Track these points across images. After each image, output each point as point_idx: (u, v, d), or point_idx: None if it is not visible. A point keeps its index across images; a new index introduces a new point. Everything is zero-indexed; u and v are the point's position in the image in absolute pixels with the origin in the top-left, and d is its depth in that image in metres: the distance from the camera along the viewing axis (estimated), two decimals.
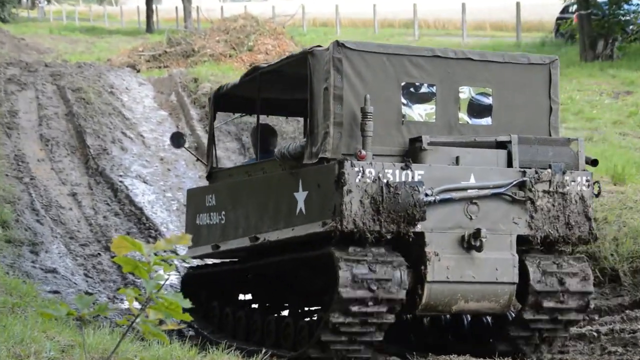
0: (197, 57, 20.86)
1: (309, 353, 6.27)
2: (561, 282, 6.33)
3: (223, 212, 7.66)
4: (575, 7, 23.01)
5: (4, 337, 4.78)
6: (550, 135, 6.77)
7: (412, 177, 6.13)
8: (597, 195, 6.63)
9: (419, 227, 6.12)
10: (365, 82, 6.35)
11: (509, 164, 6.45)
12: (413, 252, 6.22)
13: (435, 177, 6.21)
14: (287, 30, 25.98)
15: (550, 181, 6.39)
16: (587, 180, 6.51)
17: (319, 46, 6.58)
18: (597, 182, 6.55)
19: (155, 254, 2.78)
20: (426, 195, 6.10)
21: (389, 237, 6.07)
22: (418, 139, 6.32)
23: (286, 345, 6.68)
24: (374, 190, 6.04)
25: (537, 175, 6.36)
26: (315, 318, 6.95)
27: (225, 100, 7.98)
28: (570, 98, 15.65)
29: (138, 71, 20.26)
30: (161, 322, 2.82)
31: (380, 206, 6.03)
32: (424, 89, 6.65)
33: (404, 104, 6.50)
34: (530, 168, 6.38)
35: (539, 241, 6.37)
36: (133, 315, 2.80)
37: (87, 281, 8.88)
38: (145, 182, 11.77)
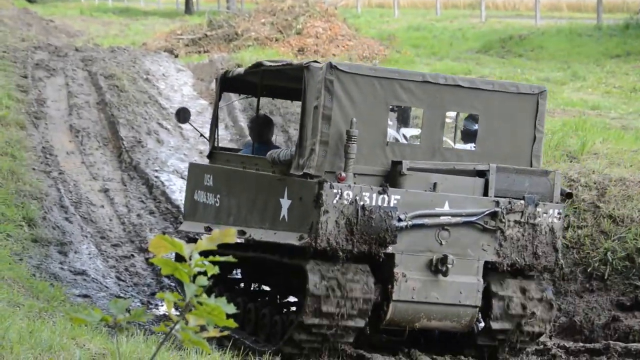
0: (241, 41, 20.95)
1: (283, 349, 7.11)
2: (523, 307, 7.19)
3: (218, 196, 8.62)
4: None
5: (30, 344, 4.86)
6: (532, 163, 7.45)
7: (388, 202, 6.91)
8: (566, 229, 7.54)
9: (389, 249, 6.93)
10: (355, 104, 7.04)
11: (486, 192, 7.17)
12: (383, 270, 7.03)
13: (411, 202, 6.99)
14: (340, 12, 25.95)
15: (522, 212, 7.15)
16: (558, 213, 7.25)
17: (315, 61, 7.30)
18: (568, 215, 7.42)
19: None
20: (399, 220, 6.90)
21: (360, 255, 6.92)
22: (399, 163, 7.04)
23: (262, 335, 7.63)
24: (350, 212, 6.84)
25: (509, 206, 7.11)
26: (292, 309, 7.83)
27: (231, 82, 8.87)
28: None
29: (176, 56, 20.43)
30: (201, 329, 2.83)
31: (354, 228, 6.84)
32: (411, 113, 7.59)
33: (390, 126, 7.33)
34: (505, 197, 7.13)
35: (505, 268, 7.14)
36: (170, 321, 2.82)
37: (119, 284, 8.96)
38: (183, 178, 11.86)
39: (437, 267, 7.02)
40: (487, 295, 7.19)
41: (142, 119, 14.00)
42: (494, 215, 7.11)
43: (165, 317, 7.47)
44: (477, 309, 7.16)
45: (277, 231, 7.37)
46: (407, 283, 7.01)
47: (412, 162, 7.07)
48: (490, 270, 7.21)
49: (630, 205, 8.54)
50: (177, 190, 11.52)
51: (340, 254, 6.85)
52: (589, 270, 8.38)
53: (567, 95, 14.92)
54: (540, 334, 7.39)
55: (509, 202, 7.13)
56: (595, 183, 9.09)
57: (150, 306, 8.29)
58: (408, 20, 31.24)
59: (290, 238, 7.11)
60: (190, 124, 9.50)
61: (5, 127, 12.44)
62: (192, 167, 9.49)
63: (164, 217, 10.94)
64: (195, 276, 2.81)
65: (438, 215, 7.04)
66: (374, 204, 6.89)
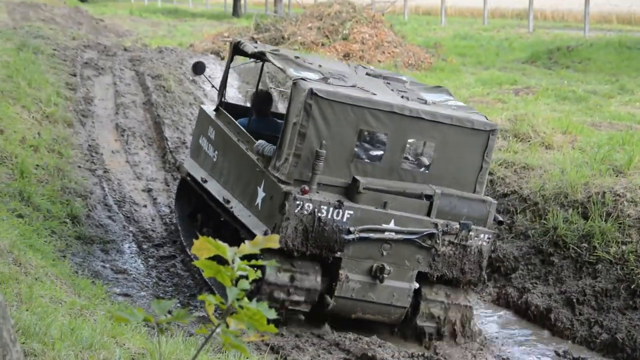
0: (287, 44, 21.02)
1: None
2: (445, 310, 8.48)
3: (216, 152, 9.88)
4: None
5: (71, 341, 4.90)
6: (475, 189, 8.52)
7: (342, 216, 8.10)
8: (493, 251, 8.69)
9: (338, 254, 8.15)
10: (328, 125, 8.14)
11: (429, 213, 8.27)
12: (330, 270, 8.28)
13: (361, 217, 8.13)
14: (387, 18, 25.95)
15: (456, 235, 8.27)
16: (488, 237, 8.37)
17: (303, 79, 8.28)
18: (494, 236, 8.53)
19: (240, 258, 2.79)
20: (348, 232, 8.07)
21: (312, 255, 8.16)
22: (357, 181, 8.13)
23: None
24: (308, 221, 8.00)
25: (446, 229, 8.22)
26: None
27: (241, 51, 10.06)
28: None
29: (222, 58, 20.53)
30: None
31: (309, 235, 8.04)
32: (377, 137, 8.67)
33: (357, 147, 8.42)
34: (445, 219, 8.23)
35: (434, 278, 8.37)
36: (211, 323, 2.82)
37: (159, 285, 9.00)
38: None
39: (376, 274, 8.24)
40: (419, 296, 8.46)
41: (187, 120, 14.09)
42: (431, 235, 8.25)
43: (205, 319, 7.50)
44: (406, 308, 8.43)
45: (251, 214, 8.57)
46: (348, 283, 8.27)
47: (369, 180, 8.18)
48: (424, 277, 8.40)
49: None
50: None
51: (296, 253, 8.08)
52: (632, 287, 8.26)
53: (614, 109, 14.74)
54: (457, 334, 8.58)
55: (446, 225, 8.22)
56: None
57: (190, 307, 8.32)
58: (455, 29, 31.12)
59: (258, 228, 8.30)
60: (205, 77, 10.83)
61: (53, 124, 12.58)
62: (202, 112, 10.62)
63: None
64: (237, 280, 2.81)
65: (383, 231, 8.19)
66: (329, 217, 8.08)
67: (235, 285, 2.81)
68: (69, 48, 18.35)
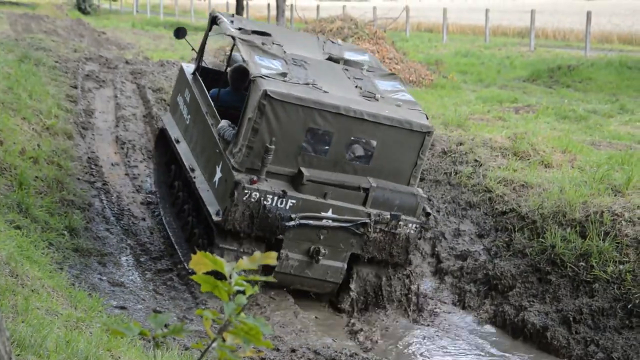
0: None
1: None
2: (374, 285, 9.72)
3: (189, 116, 10.98)
4: None
5: (67, 354, 4.90)
6: (410, 182, 9.57)
7: (285, 205, 9.14)
8: (419, 238, 9.65)
9: (280, 236, 9.25)
10: (280, 123, 9.07)
11: (365, 203, 9.31)
12: (273, 249, 9.19)
13: (303, 206, 9.18)
14: (388, 34, 26.03)
15: (387, 224, 9.35)
16: (415, 227, 9.44)
17: (262, 77, 9.14)
18: (421, 225, 9.48)
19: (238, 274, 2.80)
20: (290, 219, 9.14)
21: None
22: (302, 173, 9.12)
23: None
24: (254, 208, 9.06)
25: (378, 218, 9.30)
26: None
27: (217, 24, 11.04)
28: None
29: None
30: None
31: (255, 220, 9.10)
32: (323, 134, 9.35)
33: (304, 142, 9.25)
34: (379, 209, 9.31)
35: (366, 260, 9.53)
36: (207, 338, 2.83)
37: (156, 298, 9.00)
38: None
39: (313, 255, 9.39)
40: (352, 273, 9.60)
41: None
42: (364, 223, 9.33)
43: (201, 333, 7.50)
44: (338, 283, 9.63)
45: (209, 190, 9.69)
46: (288, 261, 9.40)
47: (313, 173, 9.20)
48: (357, 258, 9.53)
49: None
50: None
51: (242, 235, 9.18)
52: (629, 307, 8.27)
53: (613, 128, 14.78)
54: (386, 306, 9.75)
55: (378, 215, 9.32)
56: (639, 219, 8.99)
57: (187, 321, 8.32)
58: (456, 46, 31.21)
59: (212, 206, 9.40)
60: (186, 40, 12.01)
61: (53, 136, 12.60)
62: (181, 71, 11.81)
63: None
64: (234, 295, 2.82)
65: (321, 219, 9.29)
66: (273, 205, 9.12)
67: (233, 300, 2.82)
68: (70, 60, 18.41)
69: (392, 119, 9.35)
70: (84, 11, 49.69)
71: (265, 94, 8.96)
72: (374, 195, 9.34)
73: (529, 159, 11.48)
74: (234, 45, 10.56)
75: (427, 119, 9.63)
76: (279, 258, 9.20)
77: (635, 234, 8.82)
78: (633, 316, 8.21)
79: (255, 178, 9.04)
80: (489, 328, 9.34)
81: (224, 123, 9.71)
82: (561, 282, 9.02)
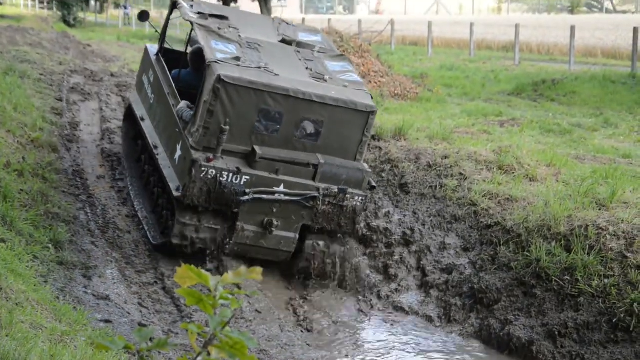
0: None
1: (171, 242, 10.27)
2: (323, 253, 10.47)
3: (153, 95, 11.80)
4: None
5: None
6: (356, 158, 10.42)
7: (239, 181, 9.88)
8: (365, 209, 10.71)
9: (235, 210, 10.00)
10: (233, 104, 9.84)
11: (314, 178, 10.13)
12: (230, 221, 10.14)
13: (256, 182, 9.96)
14: (374, 48, 26.08)
15: (334, 197, 10.17)
16: (361, 199, 10.28)
17: (216, 62, 9.90)
18: (366, 198, 10.36)
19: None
20: (244, 194, 9.89)
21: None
22: (255, 151, 9.91)
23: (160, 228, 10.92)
24: (211, 184, 9.81)
25: (326, 192, 10.11)
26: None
27: (178, 9, 11.86)
28: None
29: None
30: None
31: (212, 195, 9.87)
32: (274, 114, 10.07)
33: (257, 122, 10.02)
34: (327, 183, 10.13)
35: (316, 230, 10.33)
36: (192, 351, 2.82)
37: (141, 311, 8.96)
38: None
39: (266, 226, 10.15)
40: (304, 242, 10.39)
41: None
42: (314, 197, 10.12)
43: (186, 347, 7.47)
44: (291, 252, 10.40)
45: (170, 166, 10.53)
46: (244, 232, 10.17)
47: (265, 150, 9.97)
48: (308, 228, 10.31)
49: None
50: None
51: (201, 209, 10.00)
52: (614, 321, 8.29)
53: (598, 142, 14.85)
54: (335, 273, 10.54)
55: (327, 189, 10.11)
56: (623, 232, 9.01)
57: (172, 335, 8.29)
58: (441, 60, 31.33)
59: (173, 182, 10.26)
60: (149, 23, 12.90)
61: (38, 149, 12.56)
62: (146, 52, 12.78)
63: None
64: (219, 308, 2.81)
65: (274, 193, 10.05)
66: (228, 181, 9.86)
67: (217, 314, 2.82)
68: (55, 73, 18.37)
69: (338, 99, 10.18)
70: (69, 24, 49.63)
71: (219, 79, 9.75)
72: (323, 171, 10.17)
73: (513, 173, 11.51)
74: (191, 31, 11.52)
75: (372, 99, 10.56)
76: (235, 229, 10.11)
77: (620, 248, 8.85)
78: (618, 330, 8.23)
79: (211, 156, 9.81)
80: (474, 342, 9.34)
81: (183, 104, 10.55)
82: (546, 296, 9.03)
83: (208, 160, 9.78)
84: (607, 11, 71.18)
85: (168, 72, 11.40)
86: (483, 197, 10.86)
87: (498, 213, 10.45)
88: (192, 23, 10.93)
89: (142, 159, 12.28)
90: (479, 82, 24.89)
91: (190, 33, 12.12)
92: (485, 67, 28.89)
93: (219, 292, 2.83)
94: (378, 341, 9.37)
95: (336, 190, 10.13)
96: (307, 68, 10.66)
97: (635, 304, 8.16)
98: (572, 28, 28.34)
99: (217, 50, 10.25)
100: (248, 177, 9.91)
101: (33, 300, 6.84)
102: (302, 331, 9.36)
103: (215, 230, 10.20)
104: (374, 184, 10.63)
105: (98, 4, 66.45)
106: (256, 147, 9.97)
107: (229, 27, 11.05)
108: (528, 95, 22.33)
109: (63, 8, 52.25)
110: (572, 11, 71.34)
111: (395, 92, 20.52)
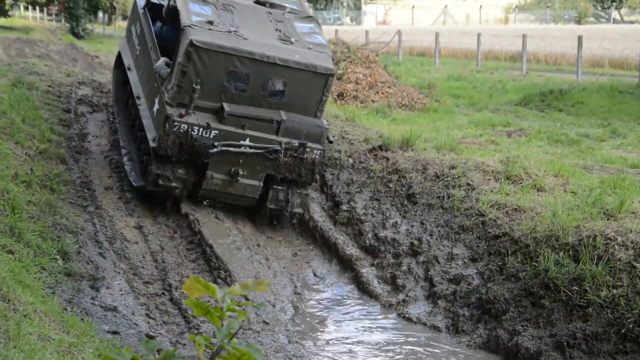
0: None
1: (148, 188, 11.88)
2: (286, 198, 11.84)
3: (139, 47, 13.06)
4: None
5: None
6: (316, 114, 11.62)
7: (209, 134, 11.00)
8: (323, 162, 11.89)
9: (205, 160, 11.17)
10: (204, 66, 10.94)
11: (277, 133, 11.29)
12: (201, 170, 11.37)
13: (224, 135, 11.12)
14: (381, 58, 26.10)
15: (295, 150, 11.33)
16: (320, 152, 11.53)
17: (190, 26, 10.96)
18: (324, 151, 11.62)
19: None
20: (213, 146, 11.05)
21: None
22: (223, 108, 11.07)
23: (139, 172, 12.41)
24: (182, 137, 11.01)
25: (288, 145, 11.28)
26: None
27: None
28: None
29: None
30: None
31: (183, 147, 11.05)
32: (241, 75, 11.13)
33: (226, 82, 11.11)
34: (289, 138, 11.29)
35: (279, 179, 11.55)
36: None
37: (148, 322, 8.96)
38: (217, 218, 11.91)
39: (233, 175, 11.38)
40: (269, 188, 11.62)
41: None
42: (276, 150, 11.28)
43: (193, 358, 7.46)
44: (256, 198, 11.69)
45: (149, 118, 11.74)
46: (213, 180, 11.42)
47: (233, 108, 11.10)
48: (272, 178, 11.53)
49: None
50: (210, 233, 11.55)
51: (174, 158, 11.17)
52: (623, 332, 8.26)
53: (605, 152, 14.82)
54: (297, 213, 12.01)
55: (288, 143, 11.29)
56: (632, 243, 8.98)
57: (179, 346, 8.27)
58: (448, 70, 31.33)
59: (150, 132, 11.50)
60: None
61: (46, 160, 12.58)
62: (135, 3, 13.92)
63: (195, 254, 10.98)
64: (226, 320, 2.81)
65: (240, 146, 11.21)
66: (199, 135, 11.01)
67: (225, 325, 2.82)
68: (63, 84, 18.41)
69: (300, 62, 11.28)
70: (77, 35, 49.77)
71: (192, 43, 10.84)
72: (285, 127, 11.32)
73: (521, 183, 11.49)
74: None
75: (332, 61, 11.67)
76: (205, 177, 11.38)
77: (628, 258, 8.82)
78: (627, 341, 8.19)
79: (183, 112, 10.95)
80: (482, 353, 9.31)
81: (161, 61, 11.68)
82: (555, 307, 9.00)
83: (180, 115, 10.92)
84: (615, 21, 71.15)
85: (152, 26, 12.59)
86: (491, 207, 10.84)
87: (506, 223, 10.43)
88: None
89: (129, 103, 13.83)
90: (486, 92, 24.89)
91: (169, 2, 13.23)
92: (493, 78, 28.89)
93: (226, 303, 2.83)
94: (387, 348, 9.34)
95: (297, 144, 11.34)
96: (276, 29, 11.66)
97: None
98: (580, 38, 28.32)
99: (193, 13, 11.23)
100: (217, 132, 11.08)
101: (41, 311, 6.84)
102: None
103: (185, 179, 11.45)
104: (331, 139, 11.94)
105: (106, 15, 66.65)
106: (225, 105, 11.11)
107: None
108: (535, 106, 22.31)
109: (71, 20, 52.40)
110: (579, 21, 71.31)
111: (403, 102, 20.53)
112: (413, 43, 43.44)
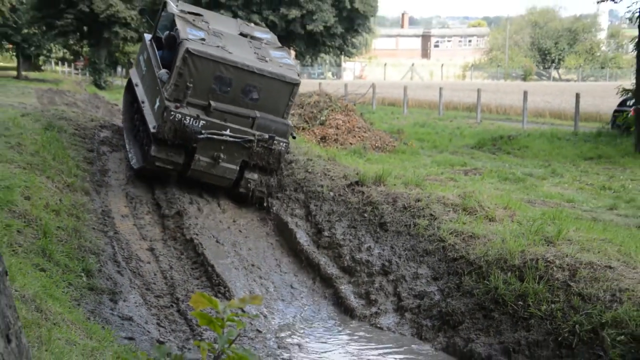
0: None
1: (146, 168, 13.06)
2: (255, 182, 12.63)
3: (144, 68, 14.11)
4: (633, 101, 22.79)
5: None
6: (284, 115, 12.59)
7: (197, 124, 11.99)
8: (287, 152, 12.78)
9: (194, 145, 12.14)
10: (197, 70, 11.96)
11: (252, 127, 12.28)
12: (190, 153, 12.33)
13: (210, 126, 12.08)
14: (358, 107, 26.24)
15: (265, 142, 12.33)
16: (285, 145, 12.47)
17: (187, 39, 12.05)
18: (288, 144, 12.55)
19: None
20: (201, 134, 12.03)
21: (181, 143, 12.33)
22: (210, 104, 12.08)
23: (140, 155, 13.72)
24: (177, 125, 11.97)
25: (260, 137, 12.23)
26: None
27: (166, 7, 14.24)
28: (622, 186, 15.42)
29: None
30: None
31: (177, 133, 12.03)
32: (226, 80, 12.16)
33: (213, 84, 12.15)
34: (261, 132, 12.25)
35: (252, 165, 12.47)
36: None
37: (159, 330, 8.94)
38: (218, 242, 11.91)
39: (216, 159, 12.32)
40: (243, 173, 12.51)
41: (186, 189, 14.09)
42: (250, 140, 12.25)
43: None
44: (233, 179, 12.55)
45: (151, 113, 12.67)
46: (199, 162, 12.31)
47: (218, 105, 12.08)
48: (247, 164, 12.46)
49: (597, 286, 8.49)
50: (212, 255, 11.56)
51: (169, 142, 12.15)
52: (559, 340, 8.30)
53: (546, 189, 14.94)
54: (262, 198, 12.80)
55: (260, 136, 12.24)
56: (567, 265, 9.06)
57: (185, 350, 8.26)
58: (415, 118, 31.51)
59: (151, 122, 12.47)
60: (147, 17, 16.05)
61: (73, 192, 12.58)
62: (144, 39, 15.02)
63: (198, 273, 10.97)
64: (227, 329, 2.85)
65: (222, 135, 12.17)
66: (190, 123, 11.95)
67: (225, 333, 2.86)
68: (87, 128, 18.41)
69: (273, 72, 12.30)
70: (99, 86, 49.81)
71: (187, 50, 11.86)
72: (258, 122, 12.26)
73: (475, 214, 11.56)
74: (173, 19, 13.47)
75: (298, 75, 12.55)
76: (193, 159, 12.31)
77: (565, 278, 8.89)
78: (562, 348, 8.24)
79: (178, 105, 11.94)
80: (443, 356, 9.33)
81: (162, 71, 12.69)
82: (503, 318, 9.04)
83: (176, 107, 11.90)
84: (554, 79, 71.79)
85: (156, 52, 13.66)
86: (450, 234, 10.90)
87: (462, 248, 10.48)
88: (174, 15, 13.09)
89: (135, 117, 14.82)
90: (446, 137, 25.04)
91: (159, 18, 14.69)
92: (452, 125, 29.07)
93: (226, 314, 2.88)
94: (361, 353, 9.35)
95: (267, 136, 12.25)
96: (255, 52, 12.68)
97: (577, 325, 8.19)
98: (525, 93, 28.61)
99: (189, 33, 12.25)
100: (204, 122, 12.02)
101: (68, 320, 6.84)
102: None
103: (178, 162, 12.32)
104: (294, 135, 12.90)
105: (124, 70, 66.76)
106: (212, 102, 12.08)
107: (202, 21, 13.11)
108: (488, 149, 22.48)
109: (94, 73, 52.45)
110: (524, 78, 71.88)
111: (376, 145, 20.63)
112: (385, 95, 43.70)
